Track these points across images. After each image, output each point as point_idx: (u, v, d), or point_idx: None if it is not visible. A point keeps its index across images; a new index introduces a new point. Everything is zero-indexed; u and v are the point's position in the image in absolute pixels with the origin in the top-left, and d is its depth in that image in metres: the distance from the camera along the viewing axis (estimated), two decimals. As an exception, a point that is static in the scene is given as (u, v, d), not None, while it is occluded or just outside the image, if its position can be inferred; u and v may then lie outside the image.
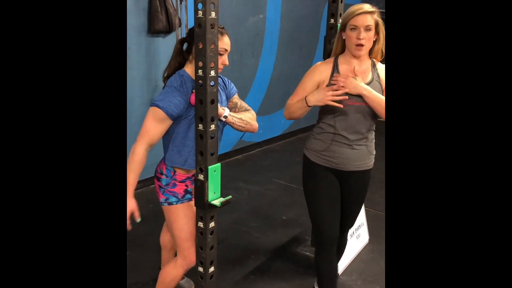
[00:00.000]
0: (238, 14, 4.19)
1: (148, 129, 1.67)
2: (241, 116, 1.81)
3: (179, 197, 1.82)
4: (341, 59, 1.82)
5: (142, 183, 3.57)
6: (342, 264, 2.45)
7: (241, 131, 1.85)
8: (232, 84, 1.93)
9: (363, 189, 1.97)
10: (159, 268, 2.22)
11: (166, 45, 3.50)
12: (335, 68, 1.81)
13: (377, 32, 1.74)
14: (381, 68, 1.82)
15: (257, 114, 4.67)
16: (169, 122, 1.68)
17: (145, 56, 3.40)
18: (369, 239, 2.83)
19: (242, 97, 4.50)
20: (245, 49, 4.36)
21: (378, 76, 1.80)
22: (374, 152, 1.92)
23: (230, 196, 1.77)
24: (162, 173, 1.83)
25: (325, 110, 1.84)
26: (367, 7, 1.71)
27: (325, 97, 1.73)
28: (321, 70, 1.84)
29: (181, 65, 1.77)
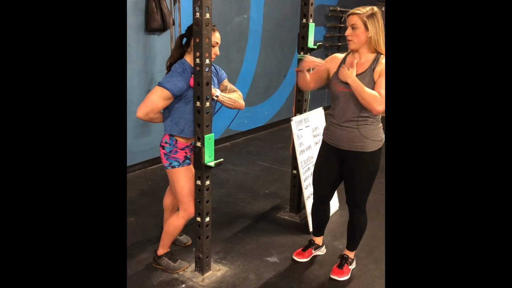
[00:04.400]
0: (225, 14, 4.65)
1: (152, 101, 2.08)
2: (230, 96, 2.27)
3: (180, 162, 2.26)
4: (350, 53, 2.17)
5: (142, 165, 4.02)
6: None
7: (230, 108, 2.30)
8: (223, 71, 2.39)
9: (356, 170, 2.19)
10: (161, 228, 2.67)
11: (161, 42, 3.94)
12: (343, 60, 2.19)
13: (367, 29, 2.02)
14: (382, 61, 2.03)
15: (242, 105, 5.16)
16: (170, 100, 2.12)
17: (143, 52, 3.83)
18: (339, 206, 3.31)
19: (229, 89, 4.94)
20: (231, 46, 4.82)
21: (373, 69, 2.04)
22: (375, 138, 2.13)
23: (221, 159, 2.24)
24: (166, 142, 2.27)
25: (331, 97, 2.24)
26: (356, 9, 2.04)
27: (307, 61, 2.21)
28: (335, 60, 2.21)
29: (181, 56, 2.22)
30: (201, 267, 2.37)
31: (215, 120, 4.81)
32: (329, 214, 2.58)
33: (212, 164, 2.17)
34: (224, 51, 4.77)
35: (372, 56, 2.10)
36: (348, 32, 2.08)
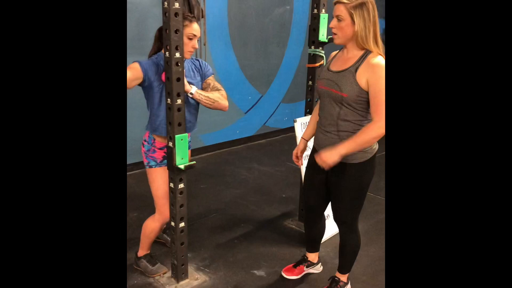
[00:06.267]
0: (264, 6, 4.43)
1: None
2: (208, 94, 2.07)
3: (158, 162, 2.14)
4: (342, 49, 1.87)
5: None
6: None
7: (209, 107, 2.11)
8: (209, 67, 2.21)
9: (339, 183, 1.91)
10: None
11: (189, 34, 3.85)
12: (335, 56, 1.91)
13: (354, 22, 1.71)
14: (370, 62, 1.72)
15: (282, 101, 4.94)
16: (138, 74, 1.92)
17: (169, 44, 3.77)
18: (357, 219, 2.98)
19: (266, 84, 4.77)
20: (270, 39, 4.60)
21: (356, 69, 1.74)
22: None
23: (194, 162, 2.07)
24: (145, 140, 2.16)
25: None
26: None
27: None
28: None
29: (159, 49, 2.08)
30: (176, 274, 2.23)
31: (250, 116, 4.67)
32: (323, 229, 2.29)
33: (182, 166, 2.01)
34: (262, 45, 4.57)
35: (358, 52, 1.78)
36: (333, 23, 1.77)
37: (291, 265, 2.36)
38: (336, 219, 2.04)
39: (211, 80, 2.18)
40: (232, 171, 3.89)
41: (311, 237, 2.31)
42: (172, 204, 2.12)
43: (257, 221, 2.97)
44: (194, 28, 2.00)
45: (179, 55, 1.89)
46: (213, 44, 4.12)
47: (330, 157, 1.75)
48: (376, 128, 1.70)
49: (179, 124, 1.99)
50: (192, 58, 2.16)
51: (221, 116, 4.46)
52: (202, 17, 3.94)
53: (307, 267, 2.35)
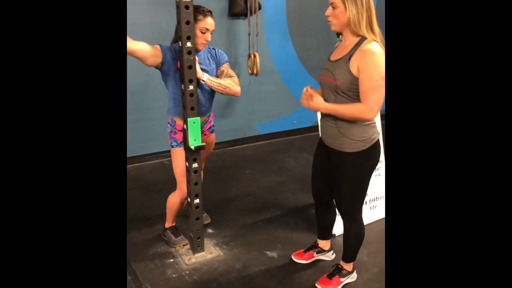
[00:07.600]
0: (327, -3, 4.43)
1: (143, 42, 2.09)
2: (220, 81, 2.22)
3: (178, 142, 2.35)
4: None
5: (221, 144, 4.21)
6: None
7: (222, 93, 2.26)
8: (224, 55, 2.36)
9: (337, 172, 1.94)
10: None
11: (245, 27, 4.02)
12: (336, 46, 1.97)
13: (346, 8, 1.73)
14: (362, 48, 1.73)
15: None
16: (158, 52, 2.11)
17: (226, 36, 3.99)
18: (390, 213, 2.90)
19: (326, 75, 4.73)
20: (331, 30, 4.56)
21: (350, 57, 1.75)
22: (356, 138, 1.84)
23: (204, 144, 2.24)
24: (168, 123, 2.39)
25: None
26: None
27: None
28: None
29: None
30: (192, 247, 2.44)
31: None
32: (332, 218, 2.31)
33: (192, 147, 2.19)
34: (323, 36, 4.57)
35: (354, 39, 1.78)
36: (328, 11, 1.81)
37: (302, 250, 2.42)
38: (337, 208, 2.06)
39: (224, 67, 2.33)
40: (280, 159, 4.00)
41: (321, 225, 2.34)
42: (187, 181, 2.33)
43: (287, 207, 3.05)
44: (208, 22, 2.16)
45: (190, 44, 2.06)
46: (270, 35, 4.25)
47: (313, 102, 1.83)
48: (360, 110, 1.74)
49: (192, 108, 2.17)
50: (209, 47, 2.33)
51: (277, 106, 4.58)
52: (259, 9, 4.10)
53: (317, 253, 2.39)
